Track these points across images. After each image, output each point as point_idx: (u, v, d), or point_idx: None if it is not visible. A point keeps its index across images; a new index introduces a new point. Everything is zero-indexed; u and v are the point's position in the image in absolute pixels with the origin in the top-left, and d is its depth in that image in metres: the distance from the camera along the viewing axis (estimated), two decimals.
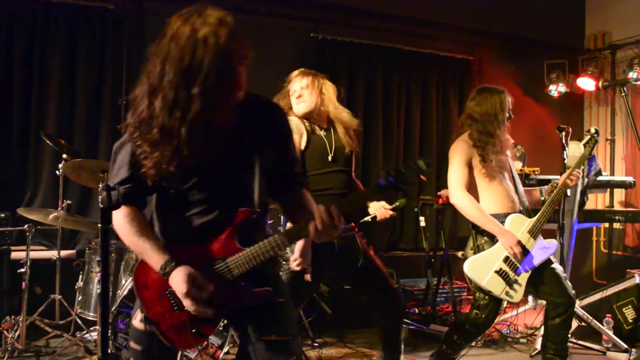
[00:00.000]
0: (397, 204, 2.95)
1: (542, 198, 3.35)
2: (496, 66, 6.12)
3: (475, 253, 3.16)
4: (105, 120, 4.78)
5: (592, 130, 3.41)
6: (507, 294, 3.07)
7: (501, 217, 3.13)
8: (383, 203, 2.99)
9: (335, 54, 5.42)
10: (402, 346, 2.94)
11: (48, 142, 3.93)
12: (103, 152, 4.71)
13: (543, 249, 3.12)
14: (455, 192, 3.13)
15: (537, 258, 3.10)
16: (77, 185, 4.37)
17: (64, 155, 3.86)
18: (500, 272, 3.07)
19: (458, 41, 5.97)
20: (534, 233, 3.12)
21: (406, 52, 5.74)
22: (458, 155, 3.17)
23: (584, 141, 3.36)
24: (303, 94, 2.94)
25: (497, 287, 3.07)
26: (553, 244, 3.17)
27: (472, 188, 3.18)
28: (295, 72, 3.03)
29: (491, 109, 3.12)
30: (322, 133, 2.94)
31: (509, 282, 3.07)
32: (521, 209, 3.22)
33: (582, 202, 3.67)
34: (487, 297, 3.12)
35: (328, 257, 2.79)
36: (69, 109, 4.67)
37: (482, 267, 3.09)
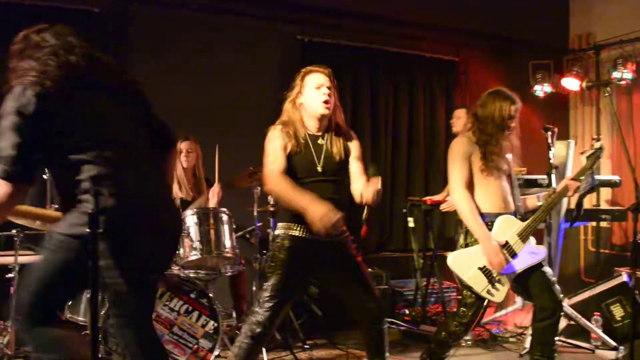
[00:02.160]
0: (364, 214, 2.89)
1: (539, 203, 3.39)
2: (482, 67, 6.21)
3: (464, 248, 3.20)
4: None
5: (598, 145, 3.38)
6: (488, 292, 3.10)
7: (492, 217, 3.16)
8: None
9: (321, 57, 5.30)
10: (387, 352, 2.93)
11: None
12: None
13: (531, 254, 3.14)
14: (457, 190, 3.17)
15: (524, 262, 3.13)
16: None
17: None
18: (483, 270, 3.11)
19: (444, 42, 6.03)
20: (523, 236, 3.15)
21: (393, 53, 5.77)
22: (458, 150, 3.21)
23: (587, 153, 3.36)
24: (331, 94, 2.82)
25: (478, 284, 3.11)
26: (542, 250, 3.18)
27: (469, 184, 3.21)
28: (320, 67, 2.87)
29: (491, 112, 3.18)
30: (318, 141, 2.85)
31: (492, 281, 3.11)
32: (514, 211, 3.25)
33: (578, 213, 3.72)
34: (473, 295, 3.15)
35: (318, 258, 2.82)
36: None
37: (466, 262, 3.13)
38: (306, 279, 2.90)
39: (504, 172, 3.23)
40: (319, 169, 2.80)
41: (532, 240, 3.20)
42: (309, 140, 2.83)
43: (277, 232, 2.88)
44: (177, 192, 4.29)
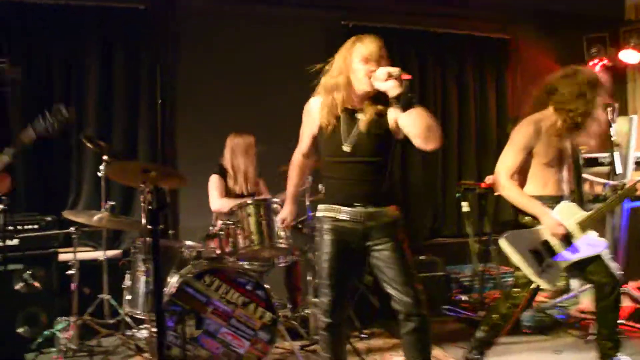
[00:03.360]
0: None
1: (604, 193, 3.23)
2: (534, 44, 5.96)
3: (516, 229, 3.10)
4: (142, 120, 4.85)
5: None
6: (539, 276, 2.97)
7: (546, 200, 3.04)
8: None
9: None
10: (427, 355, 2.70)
11: (88, 144, 3.99)
12: (142, 151, 4.80)
13: (589, 245, 3.00)
14: (501, 179, 3.07)
15: (580, 252, 2.99)
16: (118, 185, 4.44)
17: (105, 157, 3.91)
18: (535, 253, 3.00)
19: (493, 20, 5.82)
20: (584, 226, 3.01)
21: (440, 34, 5.63)
22: (519, 138, 3.07)
23: None
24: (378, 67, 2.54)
25: (529, 267, 2.98)
26: (602, 243, 3.02)
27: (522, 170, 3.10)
28: (370, 37, 2.60)
29: (578, 90, 2.99)
30: (355, 115, 2.61)
31: (543, 266, 2.98)
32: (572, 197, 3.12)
33: None
34: (526, 276, 3.03)
35: (364, 240, 2.64)
36: (107, 111, 4.76)
37: (518, 243, 3.01)
38: (357, 262, 2.73)
39: (567, 156, 3.10)
40: (346, 147, 2.59)
41: (592, 232, 3.04)
42: (345, 114, 2.61)
43: (318, 214, 2.73)
44: (242, 187, 4.25)
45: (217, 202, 4.12)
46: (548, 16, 5.94)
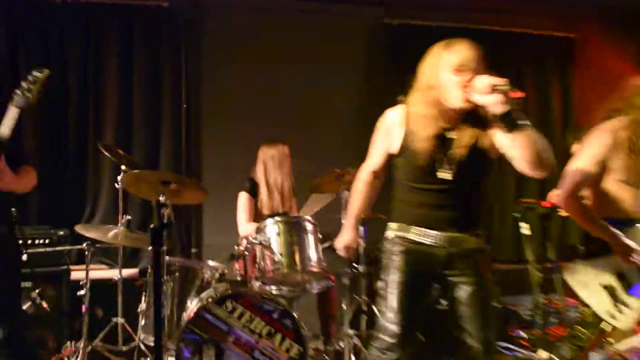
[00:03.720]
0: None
1: None
2: (605, 44, 5.81)
3: (584, 259, 2.95)
4: (165, 127, 4.85)
5: None
6: (611, 315, 2.80)
7: (621, 223, 2.84)
8: None
9: (411, 41, 5.21)
10: None
11: (106, 153, 3.97)
12: (164, 162, 4.76)
13: None
14: (564, 193, 2.87)
15: None
16: (138, 199, 4.40)
17: (123, 167, 3.87)
18: (608, 288, 2.82)
19: (557, 17, 5.69)
20: None
21: (495, 33, 5.55)
22: (593, 149, 2.87)
23: None
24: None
25: (599, 303, 2.82)
26: None
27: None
28: (466, 43, 2.37)
29: None
30: (446, 134, 2.39)
31: (617, 302, 2.81)
32: None
33: None
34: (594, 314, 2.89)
35: (439, 268, 2.49)
36: (127, 117, 4.79)
37: (586, 276, 2.86)
38: (430, 290, 2.55)
39: None
40: (441, 174, 2.38)
41: None
42: (437, 134, 2.38)
43: (387, 233, 2.57)
44: (278, 206, 4.13)
45: (246, 227, 4.04)
46: (623, 13, 5.75)
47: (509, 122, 2.22)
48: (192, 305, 3.40)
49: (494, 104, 2.21)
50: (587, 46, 5.82)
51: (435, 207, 2.44)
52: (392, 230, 2.54)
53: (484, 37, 5.40)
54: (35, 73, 2.64)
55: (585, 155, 2.90)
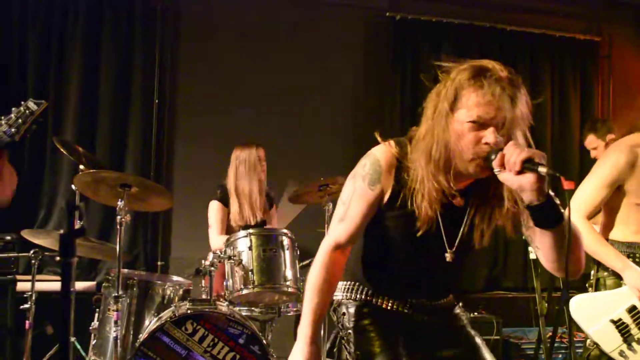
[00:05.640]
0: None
1: None
2: (632, 48, 5.87)
3: (593, 289, 2.96)
4: (134, 124, 4.83)
5: None
6: (620, 353, 2.80)
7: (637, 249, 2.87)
8: None
9: (416, 37, 5.32)
10: None
11: (62, 149, 3.93)
12: (131, 163, 4.74)
13: None
14: (575, 219, 2.83)
15: None
16: (98, 203, 4.37)
17: (81, 166, 3.83)
18: (617, 323, 2.82)
19: (580, 17, 5.76)
20: None
21: (509, 33, 5.59)
22: (606, 169, 2.88)
23: None
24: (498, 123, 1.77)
25: (608, 341, 2.81)
26: None
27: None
28: (495, 71, 1.75)
29: None
30: (453, 201, 1.92)
31: (628, 339, 2.80)
32: None
33: None
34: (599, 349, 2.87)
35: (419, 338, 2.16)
36: (91, 111, 4.77)
37: (594, 310, 2.86)
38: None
39: None
40: (448, 256, 1.98)
41: None
42: (441, 203, 1.90)
43: (349, 305, 2.14)
44: (249, 217, 4.08)
45: (217, 239, 4.00)
46: None
47: (540, 217, 1.75)
48: (149, 325, 3.38)
49: (525, 188, 1.70)
50: (611, 51, 5.87)
51: (417, 279, 2.10)
52: (348, 293, 2.15)
53: (495, 36, 5.58)
54: (31, 104, 2.44)
55: (597, 175, 2.92)
